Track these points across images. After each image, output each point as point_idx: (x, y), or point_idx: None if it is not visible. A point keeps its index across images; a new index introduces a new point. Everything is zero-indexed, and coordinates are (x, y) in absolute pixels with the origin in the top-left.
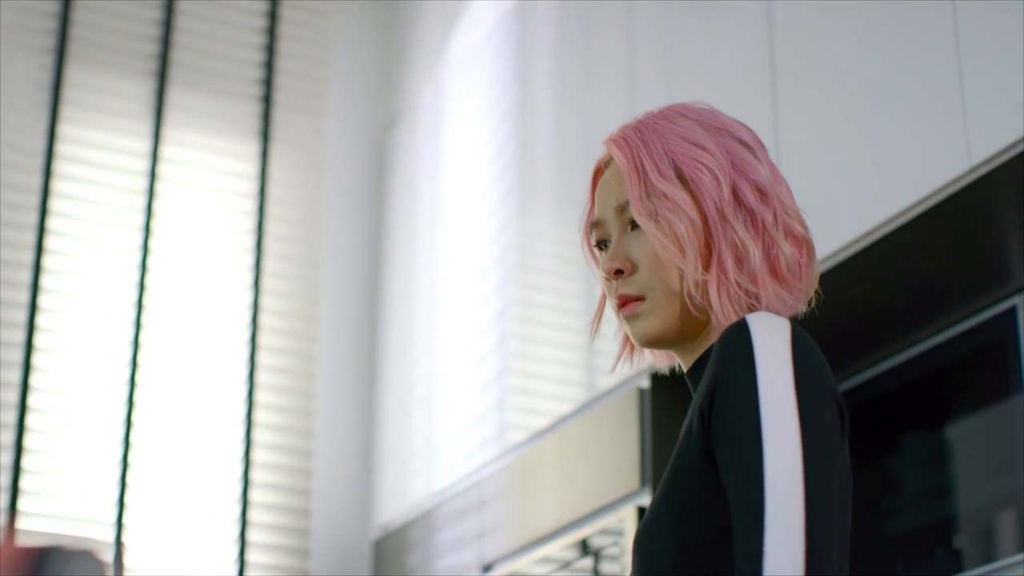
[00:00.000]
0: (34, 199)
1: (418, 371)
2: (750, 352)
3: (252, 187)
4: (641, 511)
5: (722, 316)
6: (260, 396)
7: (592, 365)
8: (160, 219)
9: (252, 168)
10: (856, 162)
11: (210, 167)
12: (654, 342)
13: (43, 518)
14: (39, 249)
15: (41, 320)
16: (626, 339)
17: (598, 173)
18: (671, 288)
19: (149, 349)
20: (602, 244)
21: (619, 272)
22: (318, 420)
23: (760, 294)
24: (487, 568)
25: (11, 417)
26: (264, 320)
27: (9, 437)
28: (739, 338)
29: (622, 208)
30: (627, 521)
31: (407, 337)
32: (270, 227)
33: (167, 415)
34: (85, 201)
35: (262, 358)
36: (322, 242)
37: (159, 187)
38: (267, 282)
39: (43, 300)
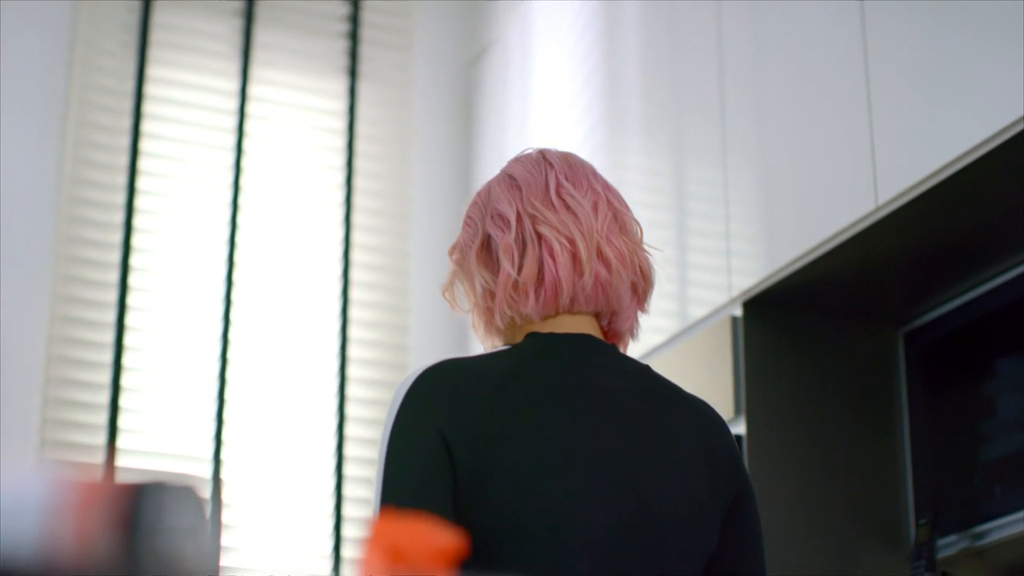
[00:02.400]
0: (125, 141)
1: None
2: (387, 413)
3: (340, 124)
4: (735, 439)
5: (482, 342)
6: (353, 332)
7: (684, 295)
8: (250, 157)
9: (340, 105)
10: (944, 89)
11: (298, 105)
12: None
13: (141, 455)
14: (131, 189)
15: (134, 261)
16: None
17: None
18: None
19: (242, 287)
20: None
21: None
22: (411, 354)
23: (494, 308)
24: None
25: (108, 357)
26: (356, 256)
27: (106, 376)
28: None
29: None
30: None
31: None
32: (359, 164)
33: (262, 351)
34: (175, 141)
35: (355, 293)
36: (412, 177)
37: (248, 126)
38: (358, 218)
39: (136, 240)
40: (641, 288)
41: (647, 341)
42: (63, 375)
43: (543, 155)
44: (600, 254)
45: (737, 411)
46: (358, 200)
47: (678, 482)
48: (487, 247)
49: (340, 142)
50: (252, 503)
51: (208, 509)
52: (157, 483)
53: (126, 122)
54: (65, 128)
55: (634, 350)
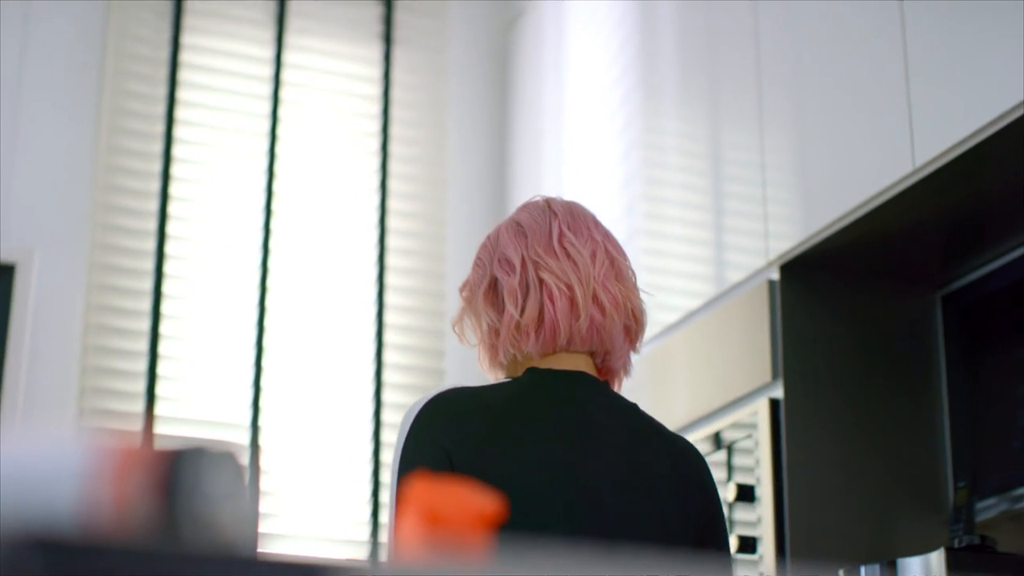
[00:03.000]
0: (160, 109)
1: None
2: (399, 432)
3: (375, 90)
4: (773, 403)
5: (487, 373)
6: (390, 298)
7: (720, 259)
8: (285, 125)
9: (375, 72)
10: (982, 50)
11: (333, 72)
12: None
13: (179, 423)
14: (167, 158)
15: (171, 228)
16: None
17: None
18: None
19: (279, 253)
20: None
21: None
22: (448, 321)
23: (498, 345)
24: None
25: (145, 325)
26: (391, 222)
27: (143, 344)
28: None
29: None
30: (760, 414)
31: None
32: (395, 130)
33: (298, 319)
34: (210, 109)
35: (391, 260)
36: (447, 143)
37: (283, 93)
38: (393, 184)
39: (172, 208)
40: (633, 330)
41: (684, 306)
42: (101, 343)
43: (548, 204)
44: (596, 299)
45: (775, 375)
46: (393, 167)
47: (653, 508)
48: (494, 288)
49: (375, 108)
50: (290, 470)
51: (246, 475)
52: (196, 449)
53: (161, 90)
54: (101, 97)
55: (669, 315)
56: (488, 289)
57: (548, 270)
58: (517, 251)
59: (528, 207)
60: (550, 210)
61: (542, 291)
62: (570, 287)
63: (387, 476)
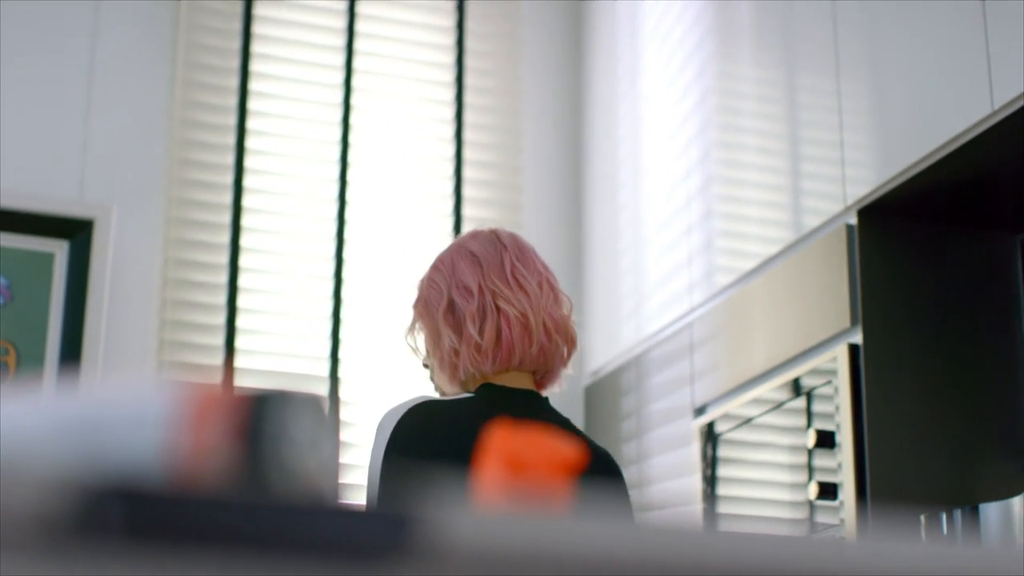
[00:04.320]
0: (234, 63)
1: (623, 217)
2: (376, 437)
3: (449, 41)
4: (852, 349)
5: (443, 388)
6: None
7: (798, 205)
8: (359, 76)
9: (448, 22)
10: None
11: (407, 22)
12: None
13: (258, 375)
14: (242, 111)
15: (247, 181)
16: None
17: None
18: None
19: (355, 205)
20: None
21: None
22: None
23: (459, 364)
24: (699, 411)
25: (223, 278)
26: (467, 173)
27: (222, 298)
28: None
29: None
30: (839, 360)
31: (611, 184)
32: (469, 80)
33: (376, 269)
34: (285, 61)
35: (467, 211)
36: (522, 92)
37: (357, 45)
38: (469, 135)
39: (248, 162)
40: (568, 352)
41: (761, 252)
42: (179, 297)
43: (496, 236)
44: (544, 326)
45: (854, 320)
46: (469, 116)
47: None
48: (451, 311)
49: (449, 59)
50: (369, 421)
51: (329, 423)
52: (278, 394)
53: (235, 44)
54: (175, 52)
55: (747, 262)
56: (447, 311)
57: (505, 299)
58: (475, 279)
59: (478, 237)
60: (500, 242)
61: (499, 317)
62: (524, 315)
63: None
